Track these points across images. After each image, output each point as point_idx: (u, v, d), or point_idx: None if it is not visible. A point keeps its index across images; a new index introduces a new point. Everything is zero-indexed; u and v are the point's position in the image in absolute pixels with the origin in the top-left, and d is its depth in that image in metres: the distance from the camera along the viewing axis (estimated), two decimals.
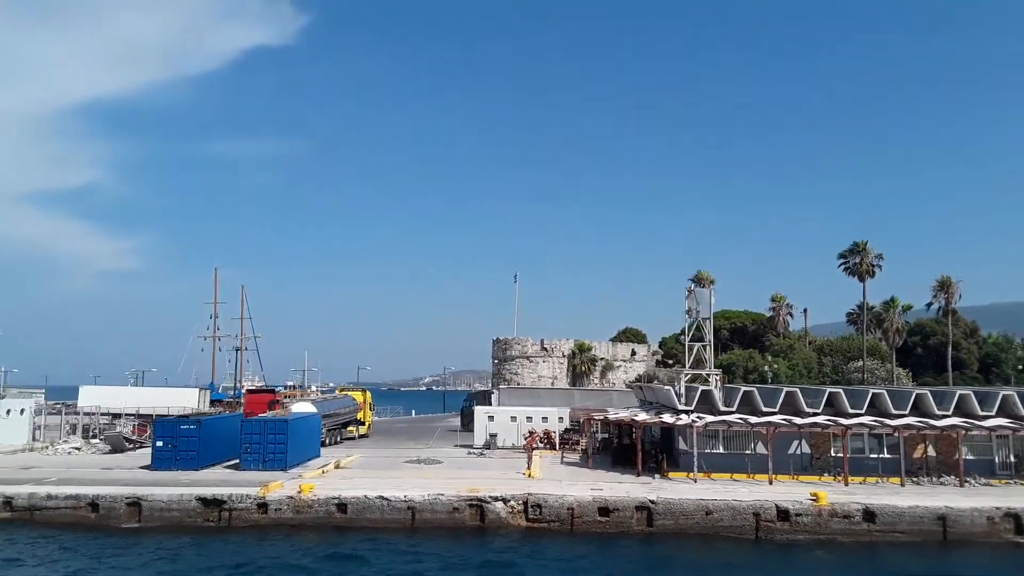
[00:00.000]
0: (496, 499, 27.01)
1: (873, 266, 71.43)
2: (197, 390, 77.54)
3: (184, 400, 70.67)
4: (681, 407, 34.10)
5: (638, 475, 32.60)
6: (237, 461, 36.69)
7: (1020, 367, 73.24)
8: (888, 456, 33.24)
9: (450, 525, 26.58)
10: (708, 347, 36.93)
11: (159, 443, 34.53)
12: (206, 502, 27.16)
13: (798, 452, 33.85)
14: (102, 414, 54.50)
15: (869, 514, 25.87)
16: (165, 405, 62.24)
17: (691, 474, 32.07)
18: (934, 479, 32.00)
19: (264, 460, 34.24)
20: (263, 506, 27.01)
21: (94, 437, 46.87)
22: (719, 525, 26.17)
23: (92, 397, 62.00)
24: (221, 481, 30.17)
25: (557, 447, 42.69)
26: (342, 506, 26.97)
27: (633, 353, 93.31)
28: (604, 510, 26.55)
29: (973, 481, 31.45)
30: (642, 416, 34.02)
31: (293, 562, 22.81)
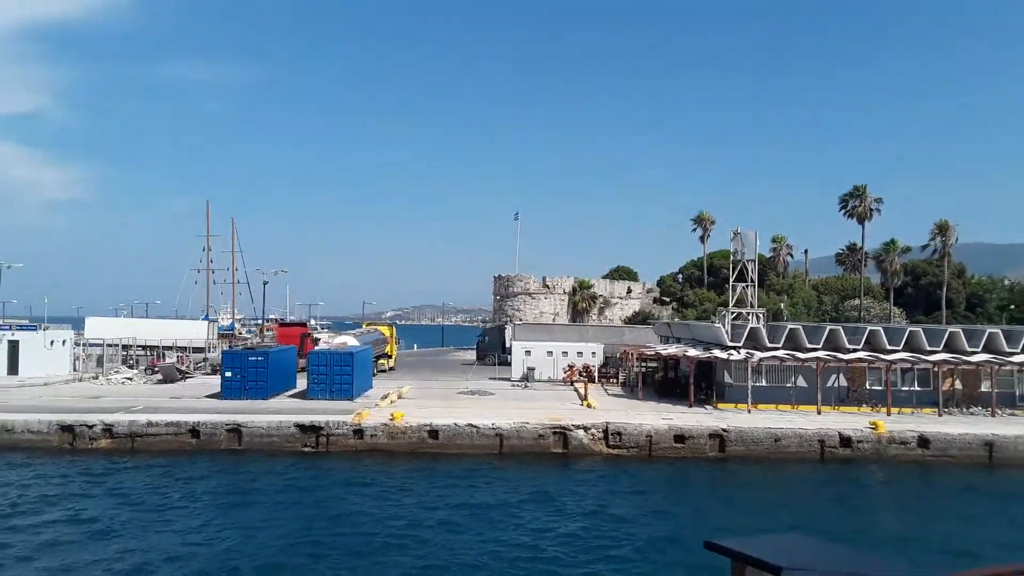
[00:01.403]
0: (578, 427, 29.03)
1: (871, 209, 74.28)
2: (206, 323, 78.11)
3: (193, 332, 71.22)
4: (729, 343, 36.27)
5: (690, 406, 34.88)
6: (296, 391, 38.26)
7: (1007, 306, 77.22)
8: (919, 388, 36.07)
9: (536, 451, 28.58)
10: (753, 287, 38.98)
11: (228, 373, 35.75)
12: (304, 428, 28.73)
13: (835, 385, 36.40)
14: (122, 345, 55.25)
15: (924, 440, 28.54)
16: (175, 337, 62.96)
17: (740, 405, 34.56)
18: (963, 409, 34.89)
19: (331, 390, 35.66)
20: (359, 432, 28.68)
21: (130, 368, 47.81)
22: (787, 451, 28.61)
23: (100, 328, 62.16)
24: (300, 409, 31.62)
25: (596, 380, 44.85)
26: (434, 432, 28.75)
27: (629, 291, 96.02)
28: (680, 437, 28.77)
29: (999, 412, 34.36)
30: (693, 352, 36.13)
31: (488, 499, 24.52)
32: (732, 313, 37.26)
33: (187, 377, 43.57)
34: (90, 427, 28.28)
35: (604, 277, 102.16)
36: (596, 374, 45.42)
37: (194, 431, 28.43)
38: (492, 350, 65.84)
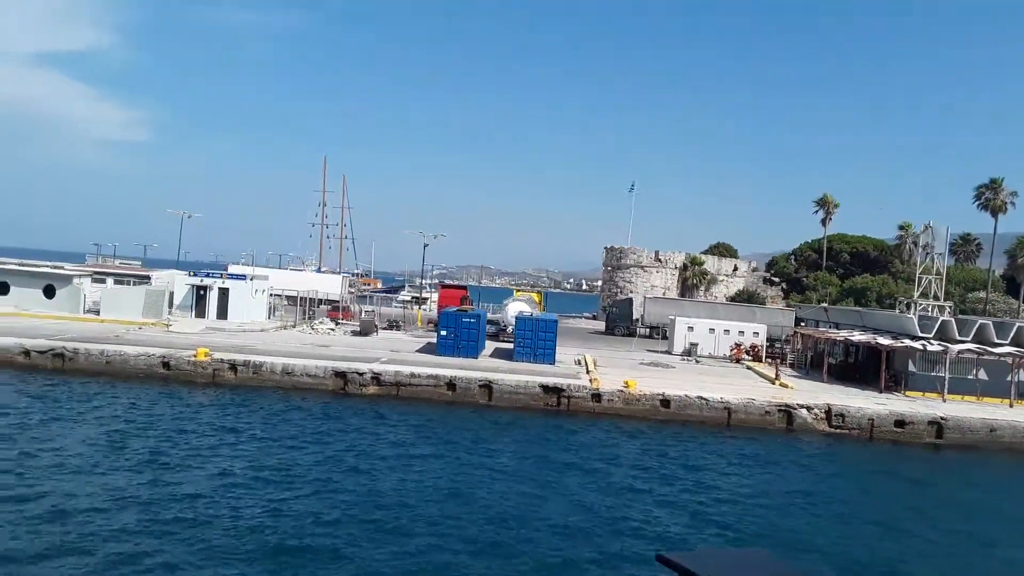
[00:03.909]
0: (802, 406, 31.49)
1: (1006, 203, 74.14)
2: (340, 276, 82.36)
3: (329, 285, 75.43)
4: (919, 334, 38.13)
5: (880, 392, 36.96)
6: (489, 352, 41.44)
7: None
8: None
9: (760, 426, 31.13)
10: (941, 281, 40.60)
11: (443, 332, 39.05)
12: (547, 389, 31.78)
13: (1016, 380, 38.03)
14: (291, 297, 59.37)
15: None
16: (314, 289, 66.84)
17: (927, 394, 36.63)
18: None
19: (535, 354, 38.70)
20: (597, 396, 31.59)
21: (311, 318, 51.73)
22: (1000, 440, 30.69)
23: None
24: (524, 370, 34.56)
25: (762, 360, 47.10)
26: (666, 402, 31.52)
27: (735, 268, 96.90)
28: (900, 422, 31.04)
29: None
30: (886, 341, 38.06)
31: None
32: (922, 305, 39.02)
33: (379, 330, 47.16)
34: (360, 374, 31.75)
35: (704, 252, 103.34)
36: (763, 353, 47.70)
37: (451, 384, 31.71)
38: (621, 322, 68.42)
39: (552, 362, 38.59)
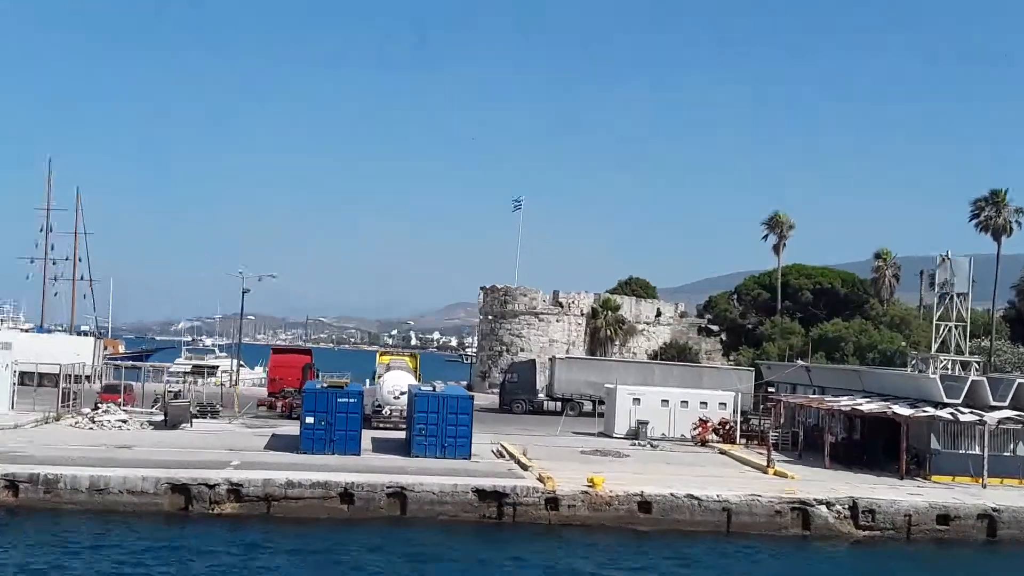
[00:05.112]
0: (820, 502, 34.77)
1: (1010, 222, 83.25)
2: (92, 339, 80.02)
3: (77, 350, 73.18)
4: (945, 400, 42.85)
5: (901, 478, 41.10)
6: (368, 442, 42.13)
7: None
8: None
9: (769, 530, 34.06)
10: (964, 329, 45.66)
11: (309, 419, 39.56)
12: (484, 494, 33.36)
13: None
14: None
15: None
16: (53, 357, 64.85)
17: (958, 478, 41.25)
18: None
19: (442, 445, 40.08)
20: (552, 501, 33.49)
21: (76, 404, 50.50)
22: None
23: None
24: (432, 470, 35.86)
25: (735, 440, 50.64)
26: (645, 504, 33.87)
27: (658, 314, 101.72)
28: (943, 517, 34.95)
29: None
30: (904, 410, 42.40)
31: None
32: (943, 363, 43.74)
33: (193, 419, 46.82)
34: (211, 487, 31.93)
35: (613, 291, 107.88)
36: (737, 432, 51.32)
37: (347, 494, 32.53)
38: (523, 394, 70.47)
39: (468, 456, 40.06)
